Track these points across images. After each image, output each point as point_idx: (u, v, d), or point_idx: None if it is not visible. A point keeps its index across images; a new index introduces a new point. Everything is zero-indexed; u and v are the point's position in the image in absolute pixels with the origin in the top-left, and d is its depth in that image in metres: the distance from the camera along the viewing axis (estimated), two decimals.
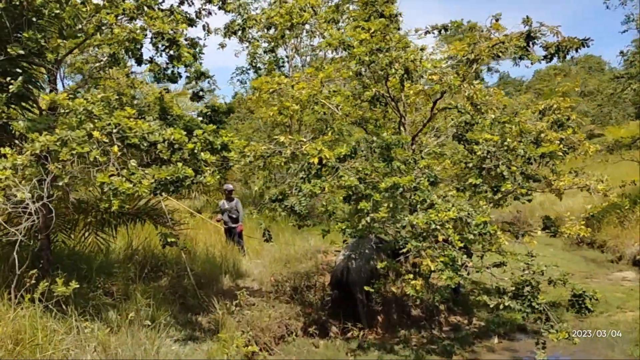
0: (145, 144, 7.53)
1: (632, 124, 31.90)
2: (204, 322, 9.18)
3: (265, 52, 16.32)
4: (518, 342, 10.20)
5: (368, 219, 8.59)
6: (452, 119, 11.71)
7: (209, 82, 11.38)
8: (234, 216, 13.58)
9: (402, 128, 10.90)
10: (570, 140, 10.34)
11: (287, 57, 19.34)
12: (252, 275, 12.22)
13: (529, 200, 9.36)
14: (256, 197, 24.32)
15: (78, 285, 7.17)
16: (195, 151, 7.61)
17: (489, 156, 9.13)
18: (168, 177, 7.22)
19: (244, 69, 21.64)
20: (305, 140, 9.22)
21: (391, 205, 8.62)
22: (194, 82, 10.24)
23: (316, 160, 8.77)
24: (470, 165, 9.62)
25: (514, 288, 8.60)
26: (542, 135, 9.57)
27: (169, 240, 7.84)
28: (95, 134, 7.13)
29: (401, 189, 8.54)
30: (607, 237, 19.33)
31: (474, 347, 9.96)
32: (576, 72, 53.15)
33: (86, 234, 10.72)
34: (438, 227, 8.34)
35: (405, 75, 9.18)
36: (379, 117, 12.04)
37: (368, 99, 10.93)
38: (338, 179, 8.66)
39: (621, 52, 23.73)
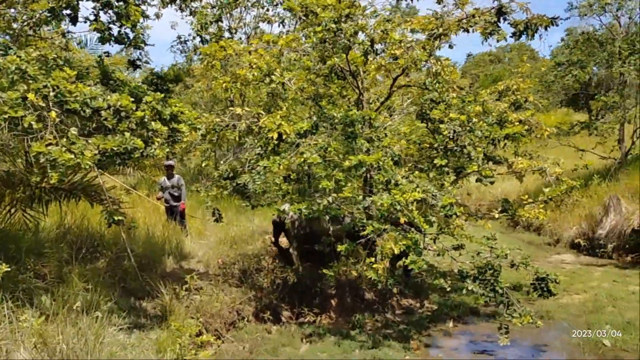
0: (87, 111, 6.72)
1: (559, 112, 32.88)
2: (149, 308, 8.47)
3: (210, 22, 15.40)
4: (473, 325, 10.04)
5: (330, 199, 8.09)
6: (409, 98, 11.36)
7: (140, 54, 10.48)
8: (175, 194, 12.74)
9: (360, 106, 10.42)
10: (529, 122, 10.18)
11: (230, 28, 18.41)
12: (196, 257, 11.51)
13: (492, 182, 9.13)
14: (194, 175, 23.46)
15: (8, 268, 6.33)
16: (145, 120, 6.85)
17: (454, 136, 8.80)
18: (115, 148, 6.46)
19: (185, 38, 20.46)
20: (263, 113, 8.58)
21: (356, 185, 8.14)
22: (130, 50, 9.36)
23: (275, 135, 8.17)
24: (435, 145, 9.27)
25: (475, 271, 8.35)
26: (504, 116, 9.33)
27: (115, 218, 7.07)
28: (30, 96, 6.27)
29: (364, 168, 8.08)
30: (543, 221, 19.78)
31: (430, 330, 9.72)
32: (509, 59, 54.42)
33: (12, 210, 9.70)
34: (403, 208, 7.95)
35: (370, 48, 8.67)
36: (334, 94, 11.51)
37: (325, 72, 10.39)
38: (299, 156, 8.08)
39: (562, 39, 24.21)
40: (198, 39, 15.78)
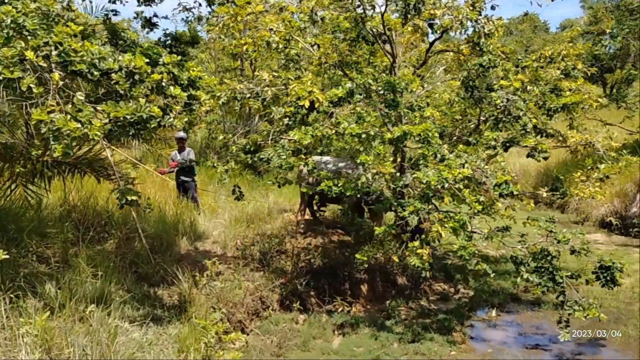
0: (95, 73, 5.76)
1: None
2: (166, 297, 7.61)
3: None
4: (517, 315, 9.20)
5: (369, 175, 7.16)
6: (443, 65, 10.36)
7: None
8: (186, 168, 11.79)
9: (392, 73, 9.42)
10: (579, 91, 9.19)
11: None
12: (211, 237, 10.63)
13: (545, 158, 8.19)
14: (201, 149, 22.45)
15: (6, 253, 5.44)
16: (163, 84, 5.89)
17: (507, 106, 7.83)
18: (128, 116, 5.51)
19: (188, 5, 19.20)
20: (292, 79, 7.60)
21: (398, 160, 7.23)
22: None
23: (307, 104, 7.20)
24: (484, 116, 8.28)
25: (529, 258, 7.47)
26: (558, 84, 8.34)
27: (128, 198, 6.15)
28: (29, 54, 5.31)
29: (404, 141, 7.14)
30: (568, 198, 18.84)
31: (472, 320, 8.89)
32: (521, 31, 53.10)
33: (12, 186, 8.80)
34: (451, 186, 7.05)
35: (412, 7, 7.66)
36: (362, 61, 10.51)
37: (353, 36, 9.39)
38: (333, 127, 7.14)
39: (582, 6, 22.92)
40: (204, 4, 14.58)
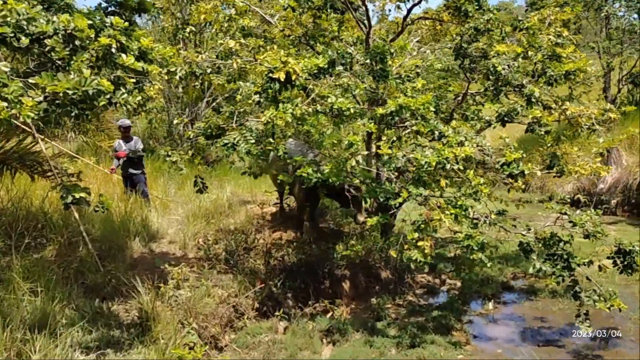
0: (23, 39, 4.48)
1: None
2: (122, 313, 6.37)
3: None
4: (516, 306, 8.45)
5: (359, 158, 6.13)
6: (416, 37, 9.45)
7: None
8: (135, 159, 10.44)
9: (367, 46, 8.39)
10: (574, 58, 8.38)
11: None
12: (167, 236, 9.37)
13: (547, 132, 7.37)
14: (143, 139, 20.85)
15: None
16: (113, 50, 4.67)
17: (509, 74, 6.94)
18: (70, 92, 4.27)
19: None
20: (263, 46, 6.45)
21: (395, 139, 6.24)
22: None
23: (282, 76, 6.09)
24: (487, 86, 7.37)
25: (539, 244, 6.66)
26: (557, 50, 7.52)
27: (76, 196, 4.89)
28: None
29: (397, 116, 6.15)
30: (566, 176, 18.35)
31: (469, 315, 8.05)
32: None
33: None
34: (452, 165, 6.13)
35: None
36: (328, 33, 9.43)
37: (319, 4, 8.32)
38: (318, 102, 6.07)
39: None
40: None
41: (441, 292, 9.09)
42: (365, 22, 8.69)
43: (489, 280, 9.25)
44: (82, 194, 4.96)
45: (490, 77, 7.14)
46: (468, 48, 7.37)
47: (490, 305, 8.33)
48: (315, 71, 6.31)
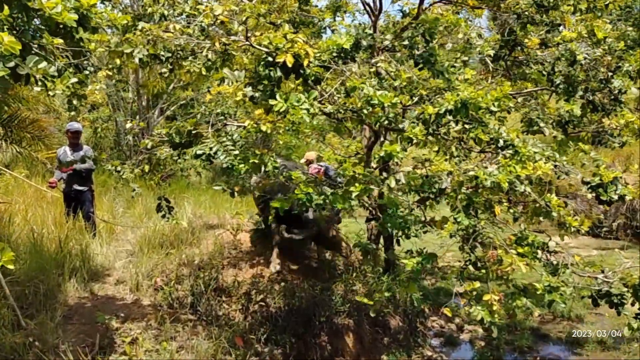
0: None
1: None
2: None
3: None
4: None
5: (400, 176, 4.30)
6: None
7: None
8: (83, 173, 8.28)
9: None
10: None
11: None
12: (114, 273, 7.30)
13: (622, 144, 5.75)
14: (92, 143, 18.48)
15: None
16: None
17: (593, 66, 5.29)
18: None
19: None
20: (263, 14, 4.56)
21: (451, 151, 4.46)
22: None
23: (290, 60, 4.22)
24: (556, 80, 5.65)
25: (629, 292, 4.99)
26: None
27: None
28: None
29: (456, 117, 4.37)
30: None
31: None
32: None
33: None
34: (525, 188, 4.41)
35: None
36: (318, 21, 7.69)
37: None
38: (344, 93, 4.23)
39: None
40: None
41: (462, 342, 7.32)
42: (371, 7, 6.95)
43: (515, 326, 7.55)
44: None
45: (559, 70, 5.46)
46: (518, 33, 5.69)
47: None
48: (336, 54, 4.46)
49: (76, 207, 8.27)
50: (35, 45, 2.78)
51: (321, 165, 7.94)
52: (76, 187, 8.25)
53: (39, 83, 2.58)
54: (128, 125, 6.14)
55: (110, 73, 4.94)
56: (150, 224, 8.52)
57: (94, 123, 18.36)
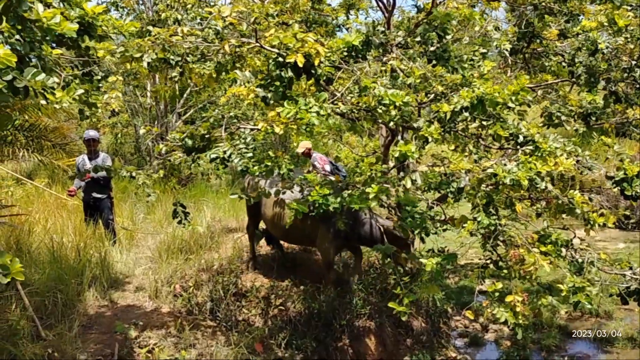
0: None
1: None
2: None
3: None
4: None
5: (416, 177, 4.18)
6: None
7: None
8: (101, 181, 8.28)
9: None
10: None
11: None
12: (134, 281, 7.29)
13: None
14: (113, 150, 18.58)
15: None
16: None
17: (615, 55, 5.11)
18: None
19: None
20: (273, 15, 4.47)
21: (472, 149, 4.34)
22: None
23: (300, 60, 4.13)
24: (577, 71, 5.45)
25: None
26: None
27: None
28: None
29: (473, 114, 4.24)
30: None
31: None
32: None
33: None
34: (546, 184, 4.27)
35: None
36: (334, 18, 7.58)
37: None
38: (357, 93, 4.13)
39: None
40: None
41: (487, 342, 7.16)
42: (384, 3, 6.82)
43: (543, 324, 7.36)
44: None
45: (579, 60, 5.28)
46: (537, 25, 5.51)
47: None
48: (346, 53, 4.36)
49: (96, 215, 8.28)
50: (34, 57, 2.71)
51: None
52: (95, 195, 8.26)
53: (39, 96, 2.51)
54: (142, 131, 6.09)
55: (121, 78, 4.89)
56: (169, 230, 8.49)
57: (114, 129, 18.45)
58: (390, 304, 4.74)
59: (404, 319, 4.60)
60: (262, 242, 8.09)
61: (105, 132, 19.18)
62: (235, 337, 5.90)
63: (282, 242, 7.95)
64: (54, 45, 2.98)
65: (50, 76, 2.56)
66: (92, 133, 8.37)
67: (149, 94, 14.88)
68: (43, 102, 2.85)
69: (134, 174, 5.95)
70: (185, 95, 15.62)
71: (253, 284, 7.02)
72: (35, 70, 2.48)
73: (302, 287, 6.76)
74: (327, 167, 8.63)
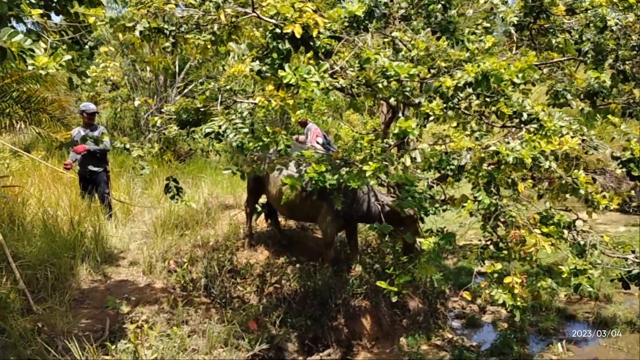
0: None
1: None
2: None
3: None
4: (592, 347, 6.46)
5: (416, 154, 4.05)
6: None
7: None
8: (97, 154, 8.19)
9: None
10: None
11: None
12: (128, 255, 7.21)
13: None
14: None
15: None
16: None
17: (620, 32, 4.94)
18: None
19: None
20: None
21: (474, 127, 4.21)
22: None
23: (298, 30, 3.98)
24: (584, 48, 5.29)
25: None
26: None
27: None
28: None
29: (468, 89, 4.09)
30: None
31: None
32: None
33: None
34: (550, 163, 4.15)
35: None
36: None
37: None
38: (357, 66, 3.98)
39: None
40: None
41: (484, 324, 7.10)
42: None
43: (541, 306, 7.28)
44: None
45: (587, 38, 5.12)
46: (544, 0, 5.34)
47: (559, 346, 6.33)
48: (347, 24, 4.20)
49: (92, 189, 8.19)
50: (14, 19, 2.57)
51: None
52: (91, 168, 8.16)
53: (17, 58, 2.38)
54: (136, 102, 5.93)
55: (113, 49, 4.74)
56: (166, 205, 8.38)
57: (114, 103, 18.28)
58: (379, 283, 4.63)
59: (393, 299, 4.48)
60: (259, 220, 7.99)
61: (105, 106, 18.99)
62: (229, 314, 5.82)
63: (280, 219, 7.85)
64: (34, 2, 2.81)
65: (30, 37, 2.41)
66: (91, 106, 8.29)
67: (148, 67, 14.67)
68: (30, 67, 2.71)
69: (128, 146, 5.82)
70: (185, 70, 15.44)
71: (248, 261, 6.93)
72: (13, 30, 2.34)
73: (297, 265, 6.66)
74: (320, 140, 8.50)
